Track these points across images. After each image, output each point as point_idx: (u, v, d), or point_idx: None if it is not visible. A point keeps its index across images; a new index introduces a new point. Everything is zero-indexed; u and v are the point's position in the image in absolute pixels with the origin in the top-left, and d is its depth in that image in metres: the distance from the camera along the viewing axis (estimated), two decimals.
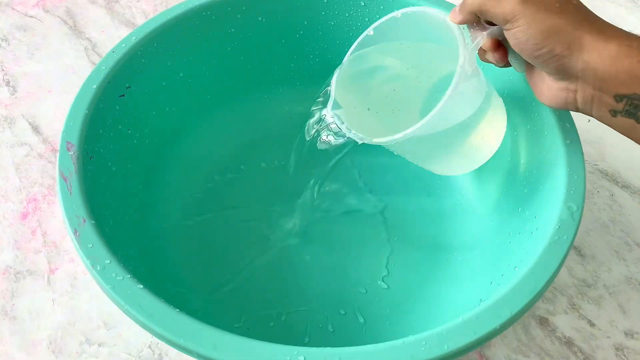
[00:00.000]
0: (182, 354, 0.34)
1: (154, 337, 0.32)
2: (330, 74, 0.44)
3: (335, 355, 0.24)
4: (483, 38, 0.29)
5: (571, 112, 0.33)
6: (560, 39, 0.25)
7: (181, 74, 0.40)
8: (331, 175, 0.38)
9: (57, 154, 0.31)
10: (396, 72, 0.35)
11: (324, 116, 0.33)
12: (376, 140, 0.30)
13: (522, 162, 0.36)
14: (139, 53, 0.36)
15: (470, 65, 0.29)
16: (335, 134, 0.33)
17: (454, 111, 0.30)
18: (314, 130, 0.34)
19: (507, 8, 0.26)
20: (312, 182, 0.37)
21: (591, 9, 0.27)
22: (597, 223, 0.41)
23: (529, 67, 0.30)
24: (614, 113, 0.26)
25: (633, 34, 0.25)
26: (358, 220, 0.39)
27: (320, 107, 0.34)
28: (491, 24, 0.29)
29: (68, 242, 0.39)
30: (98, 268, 0.27)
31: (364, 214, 0.39)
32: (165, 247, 0.37)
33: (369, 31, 0.33)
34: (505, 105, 0.34)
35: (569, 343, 0.36)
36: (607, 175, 0.43)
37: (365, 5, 0.40)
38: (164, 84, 0.39)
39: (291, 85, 0.45)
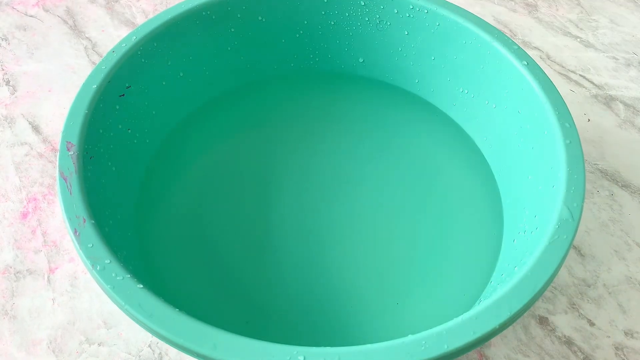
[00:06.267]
0: (182, 353, 0.35)
1: (154, 337, 0.32)
2: (329, 73, 0.45)
3: (334, 355, 0.24)
4: None
5: (571, 112, 0.33)
6: None
7: (181, 74, 0.40)
8: None
9: (57, 154, 0.31)
10: None
11: None
12: None
13: (521, 162, 0.36)
14: (139, 53, 0.36)
15: None
16: None
17: None
18: None
19: None
20: None
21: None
22: (596, 223, 0.41)
23: None
24: None
25: None
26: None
27: None
28: None
29: (68, 242, 0.39)
30: (98, 268, 0.27)
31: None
32: (166, 246, 0.37)
33: None
34: (504, 105, 0.34)
35: (568, 342, 0.36)
36: (607, 175, 0.43)
37: (365, 5, 0.40)
38: (164, 83, 0.39)
39: (291, 85, 0.45)
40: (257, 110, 0.44)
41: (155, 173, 0.39)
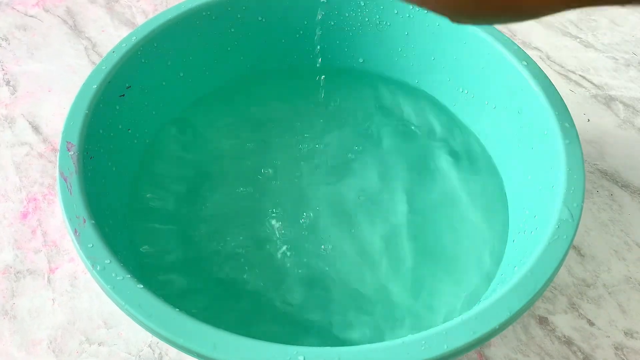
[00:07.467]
0: (182, 353, 0.35)
1: (154, 337, 0.32)
2: (329, 74, 0.45)
3: (334, 355, 0.24)
4: None
5: (570, 112, 0.33)
6: None
7: (181, 74, 0.40)
8: None
9: (57, 154, 0.31)
10: None
11: None
12: None
13: (521, 162, 0.36)
14: (139, 53, 0.36)
15: None
16: None
17: None
18: None
19: None
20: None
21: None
22: (596, 223, 0.41)
23: None
24: None
25: None
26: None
27: None
28: None
29: (68, 242, 0.39)
30: (98, 268, 0.27)
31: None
32: (166, 246, 0.37)
33: None
34: (504, 105, 0.34)
35: (568, 342, 0.36)
36: (606, 175, 0.43)
37: (365, 5, 0.40)
38: (164, 83, 0.39)
39: (291, 84, 0.45)
40: (257, 110, 0.44)
41: (154, 172, 0.39)
